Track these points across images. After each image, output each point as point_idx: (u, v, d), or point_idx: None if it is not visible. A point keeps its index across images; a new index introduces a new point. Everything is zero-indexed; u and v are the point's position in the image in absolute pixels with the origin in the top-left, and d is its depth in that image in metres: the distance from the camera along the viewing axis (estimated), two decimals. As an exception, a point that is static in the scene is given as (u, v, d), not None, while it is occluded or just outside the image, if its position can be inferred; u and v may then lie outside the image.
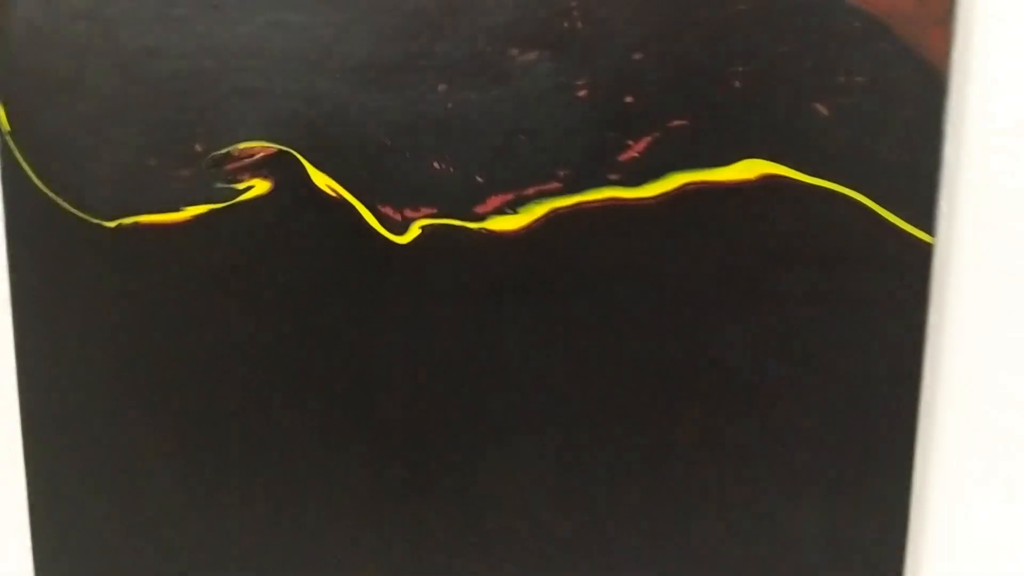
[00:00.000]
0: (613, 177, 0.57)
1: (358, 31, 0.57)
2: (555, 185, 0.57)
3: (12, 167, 0.62)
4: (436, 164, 0.57)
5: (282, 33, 0.57)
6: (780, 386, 0.57)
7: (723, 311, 0.57)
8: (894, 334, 0.56)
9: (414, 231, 0.58)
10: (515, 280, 0.58)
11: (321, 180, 0.58)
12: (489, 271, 0.58)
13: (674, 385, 0.58)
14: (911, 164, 0.54)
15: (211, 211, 0.59)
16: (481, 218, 0.58)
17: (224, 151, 0.58)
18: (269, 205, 0.59)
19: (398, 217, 0.58)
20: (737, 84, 0.55)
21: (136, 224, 0.60)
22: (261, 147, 0.59)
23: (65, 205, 0.61)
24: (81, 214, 0.61)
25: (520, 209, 0.58)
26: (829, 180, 0.55)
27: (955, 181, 0.56)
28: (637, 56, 0.55)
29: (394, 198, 0.58)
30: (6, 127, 0.61)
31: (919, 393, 0.57)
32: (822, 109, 0.55)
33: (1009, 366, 0.57)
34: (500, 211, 0.58)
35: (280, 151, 0.58)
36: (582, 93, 0.56)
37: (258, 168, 0.59)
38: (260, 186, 0.59)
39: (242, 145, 0.58)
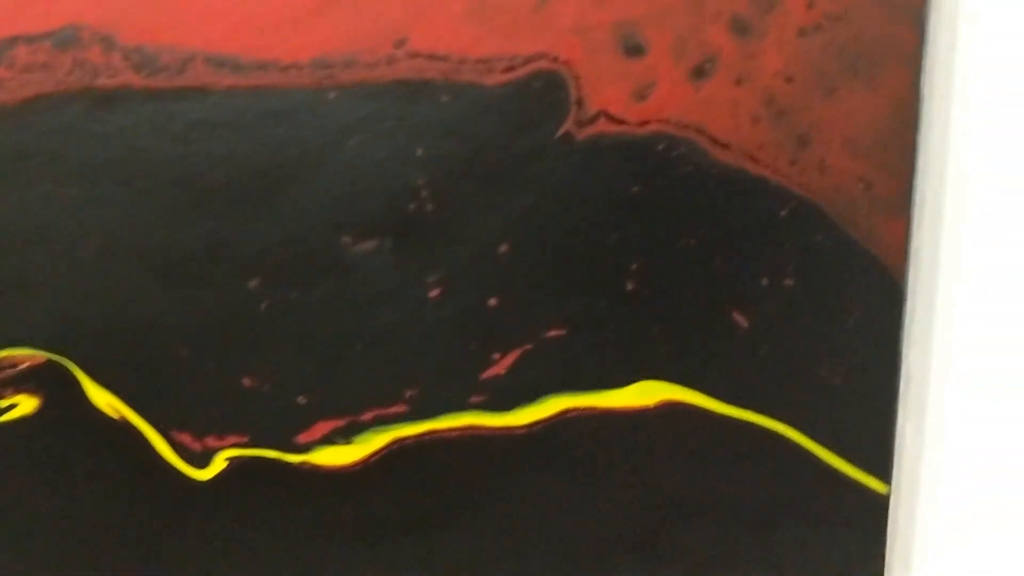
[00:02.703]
0: (474, 400, 0.44)
1: (150, 209, 0.45)
2: (400, 409, 0.45)
3: None
4: (246, 381, 0.45)
5: (54, 210, 0.45)
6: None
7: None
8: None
9: (218, 464, 0.46)
10: (347, 527, 0.45)
11: (101, 398, 0.46)
12: (314, 516, 0.45)
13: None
14: (860, 393, 0.42)
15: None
16: (304, 449, 0.45)
17: (-18, 358, 0.46)
18: (35, 428, 0.46)
19: (198, 447, 0.46)
20: (630, 286, 0.43)
21: None
22: (27, 355, 0.46)
23: None
24: None
25: (354, 439, 0.45)
26: (752, 411, 0.43)
27: (918, 418, 0.43)
28: (503, 248, 0.43)
29: (193, 423, 0.45)
30: None
31: None
32: (741, 320, 0.43)
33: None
34: (328, 440, 0.45)
35: (50, 361, 0.46)
36: (434, 293, 0.44)
37: (23, 382, 0.46)
38: (25, 404, 0.46)
39: (3, 353, 0.46)
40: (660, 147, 0.43)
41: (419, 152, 0.44)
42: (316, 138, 0.44)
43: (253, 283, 0.45)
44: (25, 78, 0.45)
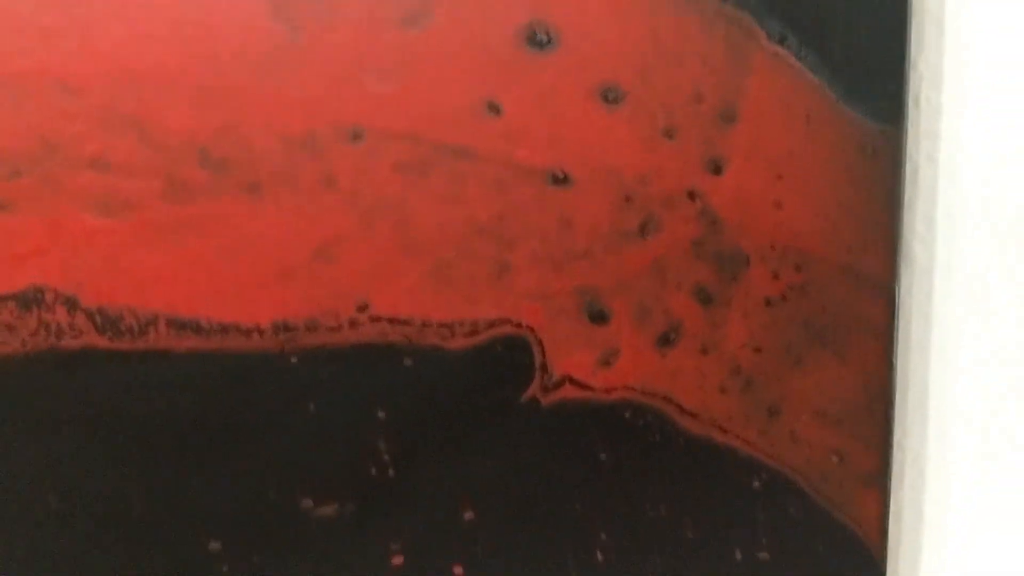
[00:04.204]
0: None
1: (111, 467, 0.44)
2: None
3: None
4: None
5: (14, 466, 0.44)
6: None
7: None
8: None
9: None
10: None
11: (55, 663, 0.44)
12: None
13: None
14: None
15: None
16: None
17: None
18: None
19: None
20: (600, 556, 0.41)
21: None
22: (-18, 615, 0.45)
23: None
24: None
25: None
26: None
27: None
28: (467, 514, 0.42)
29: None
30: None
31: None
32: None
33: None
34: None
35: (5, 622, 0.45)
36: (397, 560, 0.42)
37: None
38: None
39: (-42, 611, 0.45)
40: (627, 414, 0.42)
41: (381, 415, 0.43)
42: (277, 401, 0.43)
43: (214, 545, 0.44)
44: (-11, 337, 0.45)
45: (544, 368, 0.42)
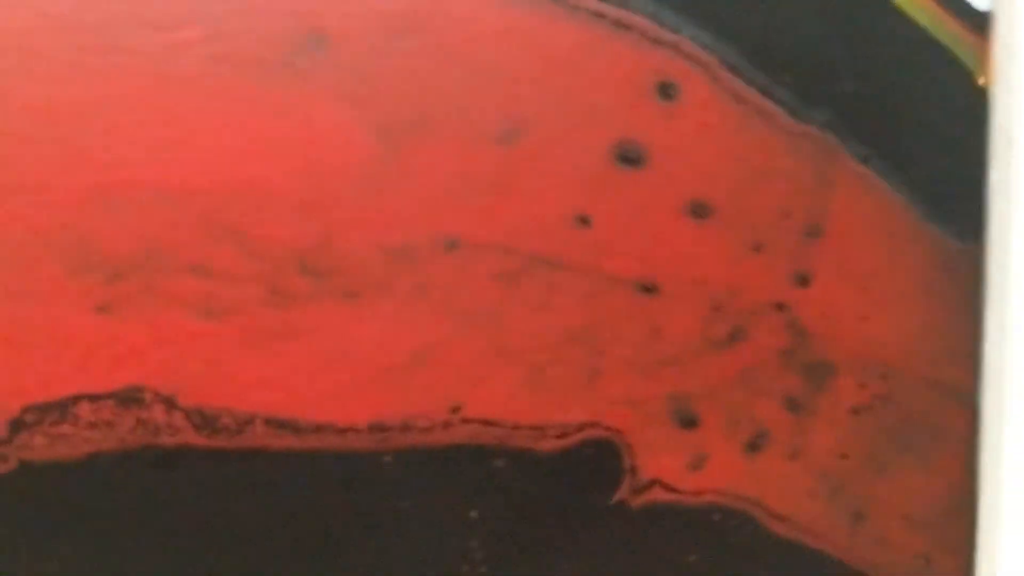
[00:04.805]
0: None
1: (206, 566, 0.45)
2: None
3: None
4: None
5: (111, 563, 0.45)
6: None
7: None
8: None
9: None
10: None
11: None
12: None
13: None
14: None
15: None
16: None
17: None
18: None
19: None
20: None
21: None
22: None
23: None
24: None
25: None
26: None
27: None
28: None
29: None
30: None
31: None
32: None
33: None
34: None
35: None
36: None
37: None
38: None
39: None
40: (716, 517, 0.43)
41: (473, 514, 0.44)
42: (371, 499, 0.45)
43: None
44: (87, 434, 0.46)
45: (633, 471, 0.43)
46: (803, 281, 0.43)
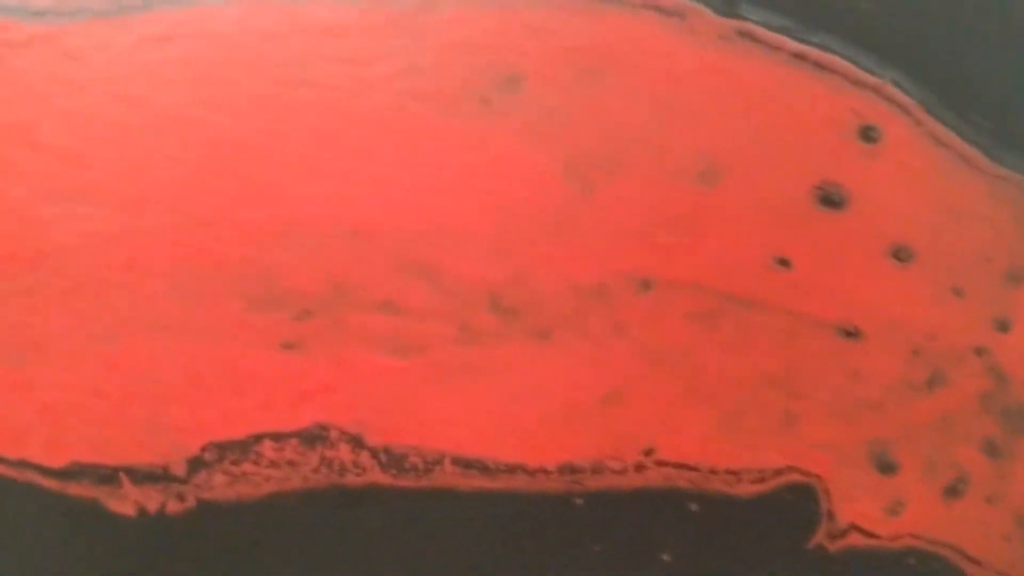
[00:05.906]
0: None
1: (388, 605, 0.45)
2: None
3: None
4: None
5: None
6: None
7: None
8: None
9: None
10: None
11: None
12: None
13: None
14: None
15: None
16: None
17: None
18: None
19: None
20: None
21: None
22: None
23: None
24: None
25: None
26: None
27: None
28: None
29: None
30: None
31: None
32: None
33: None
34: None
35: None
36: None
37: None
38: None
39: None
40: (912, 561, 0.43)
41: (666, 558, 0.44)
42: (563, 542, 0.44)
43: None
44: (269, 473, 0.46)
45: (831, 516, 0.43)
46: (1003, 327, 0.43)
